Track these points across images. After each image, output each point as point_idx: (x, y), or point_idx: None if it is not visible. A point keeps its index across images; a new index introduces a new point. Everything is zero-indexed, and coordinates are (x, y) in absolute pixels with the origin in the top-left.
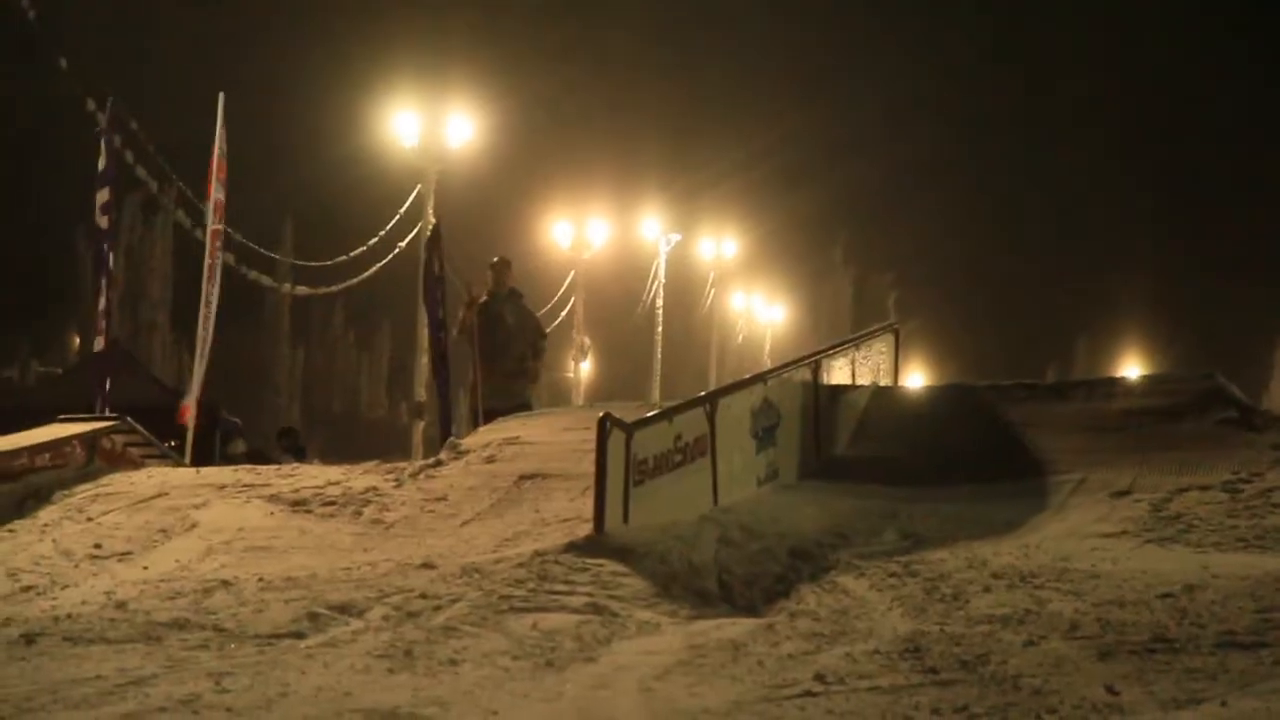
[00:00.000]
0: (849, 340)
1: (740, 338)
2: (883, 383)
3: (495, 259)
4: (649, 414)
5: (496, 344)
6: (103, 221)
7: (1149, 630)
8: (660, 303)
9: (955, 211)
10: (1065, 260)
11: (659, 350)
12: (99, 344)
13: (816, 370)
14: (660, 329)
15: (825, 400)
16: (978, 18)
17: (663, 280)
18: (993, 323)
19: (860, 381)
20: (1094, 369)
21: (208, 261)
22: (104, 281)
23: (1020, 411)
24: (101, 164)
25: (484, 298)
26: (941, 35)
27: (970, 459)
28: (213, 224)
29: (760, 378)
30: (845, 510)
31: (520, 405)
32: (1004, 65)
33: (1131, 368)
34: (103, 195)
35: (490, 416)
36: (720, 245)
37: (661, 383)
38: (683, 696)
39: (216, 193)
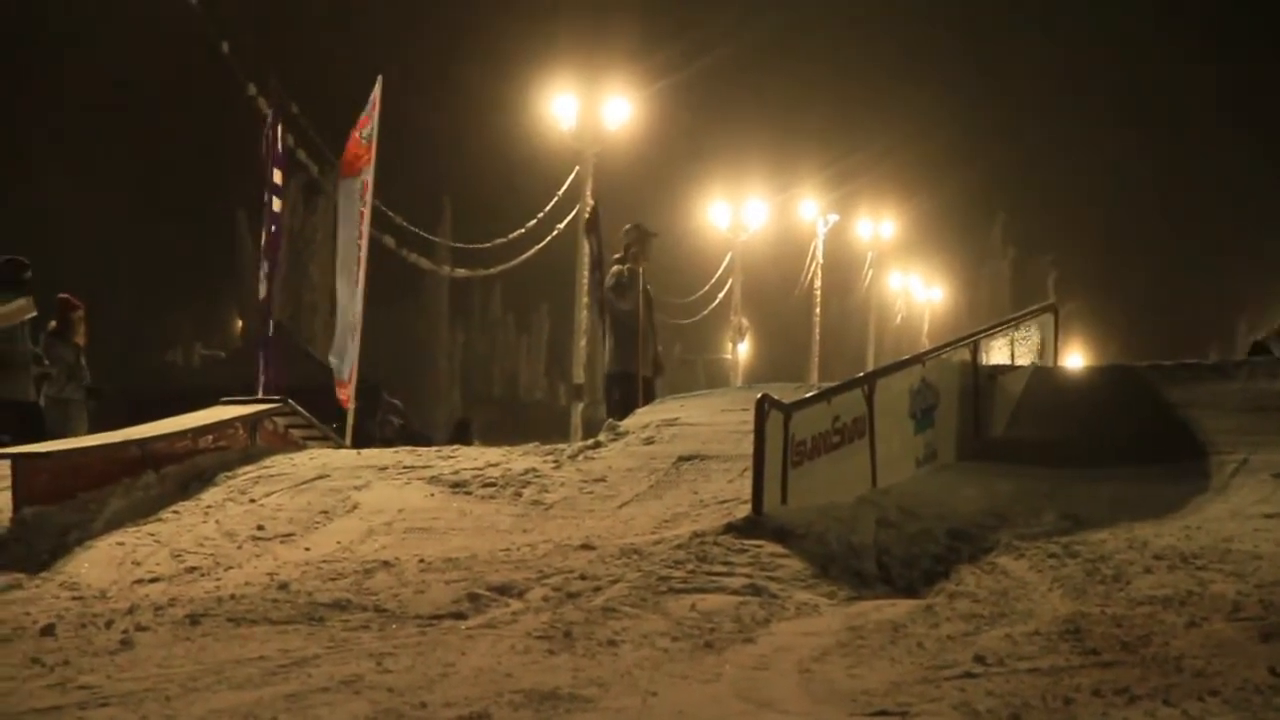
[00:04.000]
0: (1008, 320)
1: (899, 319)
2: (1042, 363)
3: (639, 226)
4: (807, 395)
5: (652, 318)
6: (275, 204)
7: None
8: (818, 284)
9: (1115, 190)
10: (1227, 239)
11: (817, 331)
12: (270, 327)
13: (975, 351)
14: (818, 310)
15: (984, 381)
16: None
17: (821, 261)
18: (1154, 303)
19: (1019, 362)
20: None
21: (358, 242)
22: (271, 264)
23: (1182, 392)
24: (278, 147)
25: (631, 265)
26: (1105, 9)
27: (1131, 440)
28: (360, 205)
29: (919, 358)
30: (1004, 491)
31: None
32: (1167, 39)
33: None
34: (276, 176)
35: (644, 385)
36: (878, 226)
37: (820, 364)
38: (842, 678)
39: (364, 174)
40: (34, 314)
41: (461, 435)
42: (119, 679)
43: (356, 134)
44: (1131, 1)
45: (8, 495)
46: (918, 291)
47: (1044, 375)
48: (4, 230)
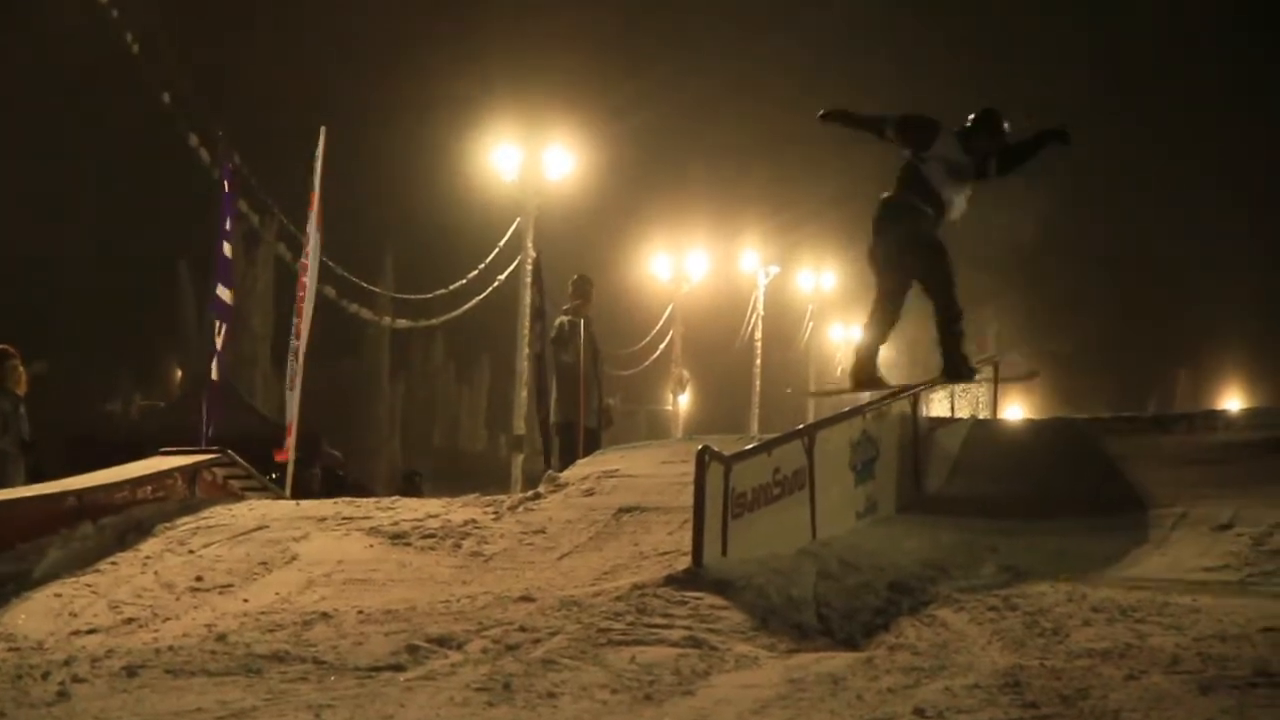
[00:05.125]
0: None
1: (839, 370)
2: (982, 416)
3: (583, 278)
4: (747, 447)
5: (598, 369)
6: (226, 250)
7: (1251, 665)
8: (759, 335)
9: (1054, 245)
10: (1167, 290)
11: (758, 383)
12: (214, 372)
13: (915, 403)
14: (759, 361)
15: (924, 433)
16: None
17: (761, 313)
18: (1092, 356)
19: (960, 415)
20: (1195, 402)
21: (298, 293)
22: (221, 312)
23: (1121, 445)
24: (225, 195)
25: (573, 317)
26: (1040, 68)
27: (1071, 492)
28: (304, 256)
29: (859, 411)
30: (945, 544)
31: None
32: (1100, 91)
33: (1233, 401)
34: (225, 224)
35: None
36: (820, 277)
37: (760, 415)
38: None
39: (310, 226)
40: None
41: (410, 486)
42: None
43: (316, 183)
44: (1069, 62)
45: None
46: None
47: (984, 428)
48: None
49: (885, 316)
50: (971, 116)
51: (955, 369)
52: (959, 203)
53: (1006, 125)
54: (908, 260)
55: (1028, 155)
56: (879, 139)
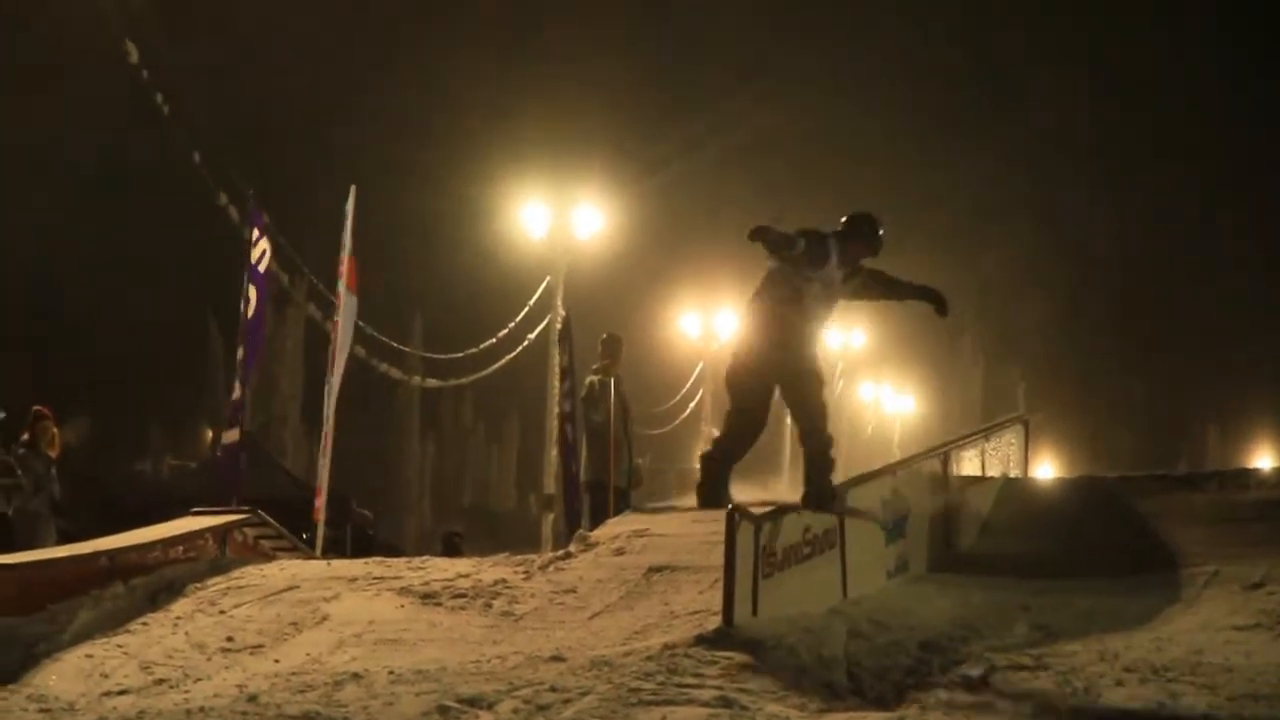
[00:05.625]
0: (978, 432)
1: (869, 429)
2: (1013, 474)
3: (613, 336)
4: (778, 507)
5: (628, 428)
6: (248, 311)
7: None
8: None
9: (1084, 304)
10: (1197, 347)
11: (787, 443)
12: (233, 435)
13: (946, 462)
14: (789, 420)
15: (955, 492)
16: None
17: None
18: (1123, 413)
19: (990, 473)
20: (1226, 459)
21: (331, 352)
22: (244, 373)
23: (1152, 503)
24: (253, 256)
25: (603, 376)
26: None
27: (1102, 551)
28: (335, 316)
29: (890, 469)
30: (976, 602)
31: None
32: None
33: (1264, 458)
34: (252, 283)
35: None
36: (849, 336)
37: (791, 475)
38: None
39: (341, 286)
40: (2, 415)
41: (450, 546)
42: None
43: (346, 244)
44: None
45: None
46: (889, 401)
47: (1015, 487)
48: None
49: (746, 431)
50: (846, 219)
51: (817, 496)
52: (827, 319)
53: (881, 232)
54: (777, 381)
55: (895, 297)
56: (789, 255)
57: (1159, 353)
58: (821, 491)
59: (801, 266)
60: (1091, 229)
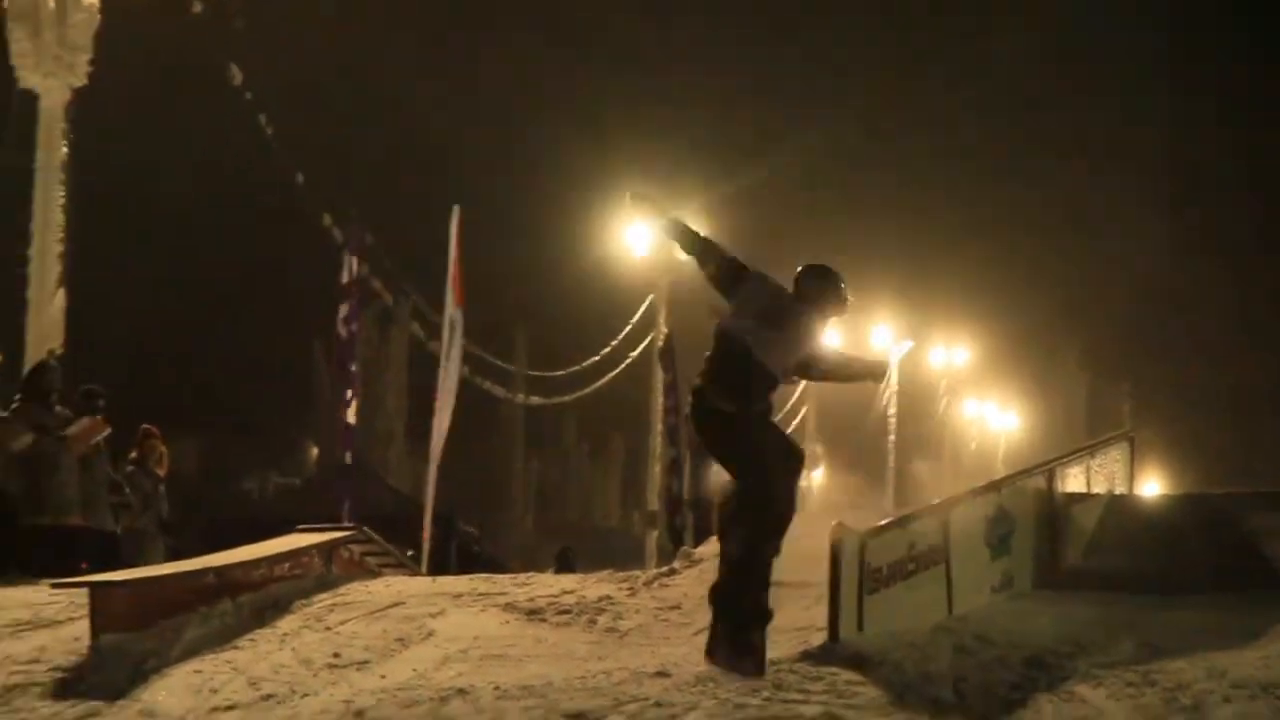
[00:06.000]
0: (1084, 449)
1: (974, 445)
2: (1118, 491)
3: None
4: (882, 522)
5: None
6: (343, 332)
7: None
8: (893, 410)
9: (1192, 322)
10: None
11: (892, 458)
12: (344, 456)
13: (1051, 478)
14: (893, 437)
15: (1060, 508)
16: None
17: (895, 388)
18: (1231, 431)
19: (1095, 490)
20: None
21: (441, 373)
22: (348, 392)
23: (1260, 520)
24: (344, 277)
25: None
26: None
27: (1209, 568)
28: (444, 336)
29: (995, 486)
30: (1081, 619)
31: None
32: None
33: None
34: (343, 309)
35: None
36: (952, 353)
37: (894, 491)
38: None
39: (449, 307)
40: (108, 431)
41: (564, 563)
42: None
43: (453, 269)
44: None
45: (85, 623)
46: (993, 418)
47: (1120, 504)
48: (89, 360)
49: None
50: (803, 271)
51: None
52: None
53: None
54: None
55: (844, 378)
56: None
57: (1270, 370)
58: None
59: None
60: (1197, 243)
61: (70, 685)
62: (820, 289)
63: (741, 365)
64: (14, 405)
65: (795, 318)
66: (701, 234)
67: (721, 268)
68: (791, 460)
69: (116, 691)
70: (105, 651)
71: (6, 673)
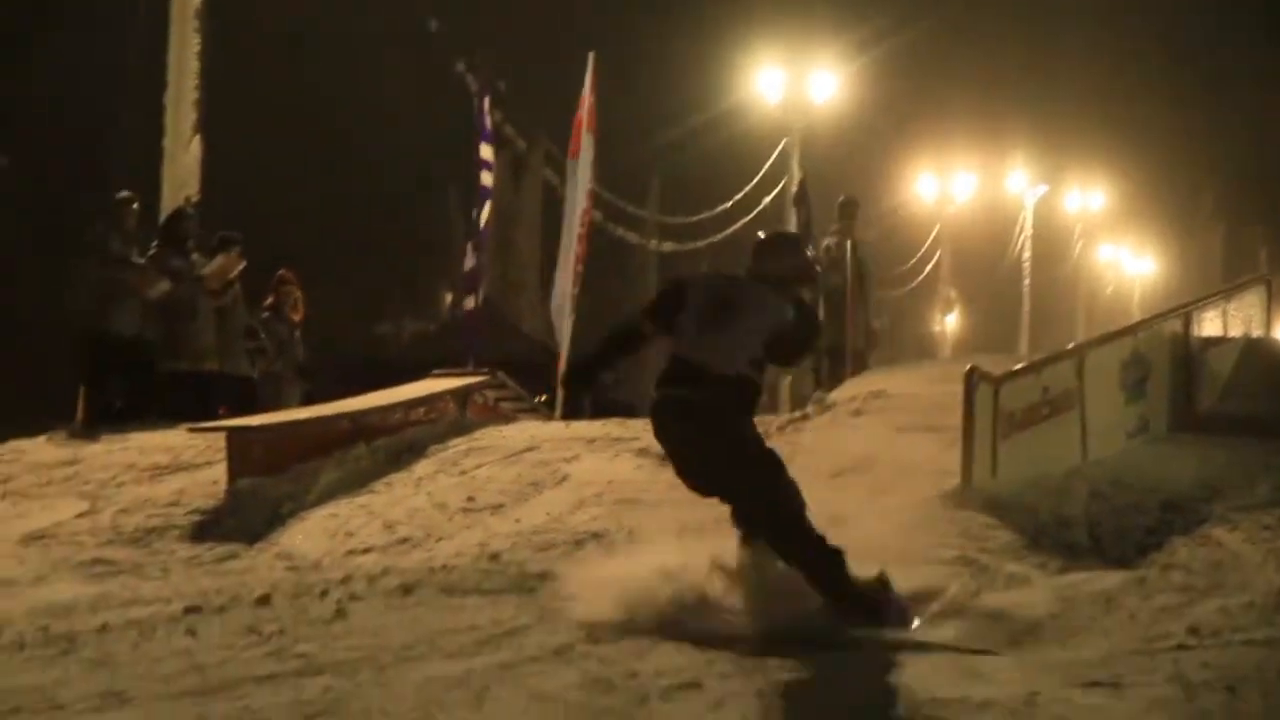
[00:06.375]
0: (1219, 292)
1: (1109, 290)
2: (1255, 334)
3: (851, 199)
4: (1016, 367)
5: (865, 291)
6: (486, 179)
7: None
8: (1027, 255)
9: None
10: None
11: (1026, 303)
12: (470, 301)
13: (1187, 322)
14: (1027, 281)
15: (1196, 353)
16: None
17: (1029, 232)
18: None
19: (1231, 334)
20: None
21: (575, 221)
22: (478, 239)
23: None
24: (477, 124)
25: (840, 239)
26: None
27: None
28: (581, 184)
29: (1130, 330)
30: (1217, 463)
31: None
32: None
33: None
34: (485, 151)
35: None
36: (1087, 197)
37: (1029, 335)
38: (1054, 649)
39: (585, 150)
40: (243, 265)
41: None
42: (334, 648)
43: (580, 114)
44: None
45: (223, 468)
46: (1127, 263)
47: (1257, 347)
48: (224, 208)
49: None
50: (756, 247)
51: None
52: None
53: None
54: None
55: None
56: None
57: None
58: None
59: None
60: None
61: (208, 528)
62: (776, 263)
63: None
64: (151, 252)
65: (746, 303)
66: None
67: (652, 314)
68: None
69: (253, 534)
70: (242, 495)
71: (146, 515)
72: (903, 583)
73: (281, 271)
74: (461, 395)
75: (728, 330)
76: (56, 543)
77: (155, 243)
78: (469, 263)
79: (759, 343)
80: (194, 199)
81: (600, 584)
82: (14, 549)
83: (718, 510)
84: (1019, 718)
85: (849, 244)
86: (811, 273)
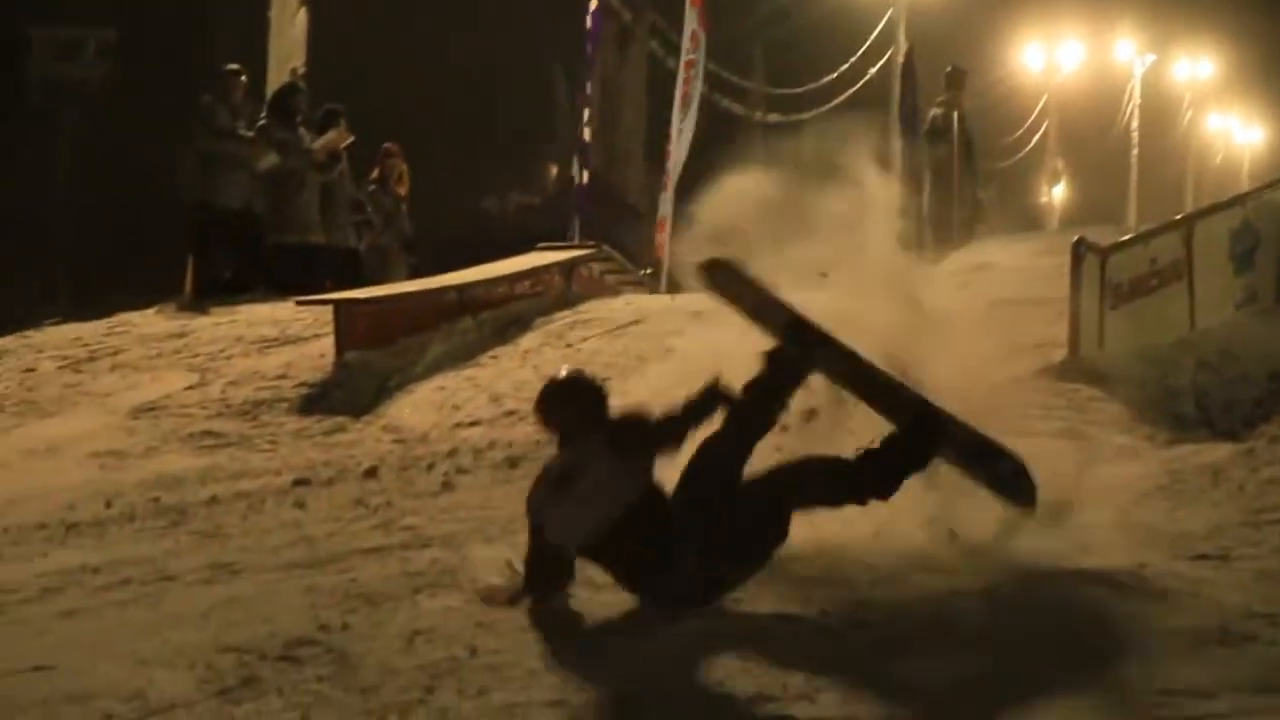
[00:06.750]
0: None
1: (1218, 159)
2: None
3: (957, 69)
4: (1124, 238)
5: (972, 162)
6: (592, 51)
7: None
8: (1135, 125)
9: None
10: None
11: (1134, 173)
12: (576, 174)
13: None
14: (1135, 152)
15: None
16: None
17: (1137, 102)
18: None
19: None
20: None
21: (680, 91)
22: (585, 112)
23: None
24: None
25: (946, 110)
26: None
27: None
28: (687, 54)
29: (1239, 200)
30: None
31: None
32: None
33: None
34: (592, 23)
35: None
36: (1196, 66)
37: (1137, 206)
38: (1162, 521)
39: (691, 22)
40: (351, 139)
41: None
42: (440, 520)
43: None
44: None
45: (330, 341)
46: (1236, 133)
47: None
48: (330, 81)
49: None
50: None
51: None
52: None
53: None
54: None
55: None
56: None
57: None
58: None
59: None
60: None
61: (316, 401)
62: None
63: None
64: (260, 125)
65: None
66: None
67: None
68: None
69: (361, 407)
70: (350, 368)
71: (254, 388)
72: None
73: (387, 145)
74: (567, 268)
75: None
76: (166, 415)
77: (264, 116)
78: (575, 136)
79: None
80: (300, 71)
81: None
82: (124, 421)
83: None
84: (1127, 590)
85: (955, 114)
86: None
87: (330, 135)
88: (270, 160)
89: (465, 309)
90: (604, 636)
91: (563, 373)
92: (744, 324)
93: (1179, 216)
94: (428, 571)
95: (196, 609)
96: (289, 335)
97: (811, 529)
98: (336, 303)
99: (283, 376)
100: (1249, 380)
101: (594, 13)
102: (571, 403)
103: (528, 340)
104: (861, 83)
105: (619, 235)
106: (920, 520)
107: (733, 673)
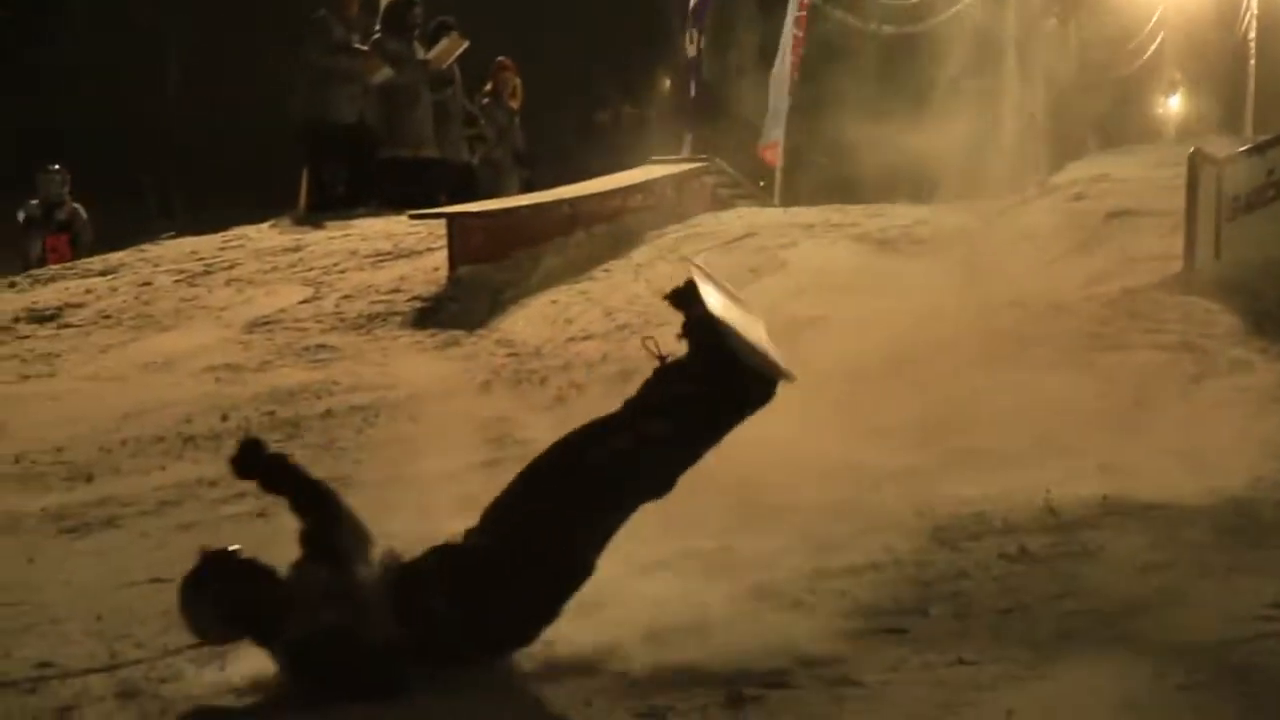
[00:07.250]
0: None
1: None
2: None
3: None
4: (1241, 149)
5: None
6: None
7: None
8: (1253, 34)
9: None
10: None
11: (1252, 84)
12: (690, 87)
13: None
14: (1253, 62)
15: None
16: None
17: (1255, 11)
18: None
19: None
20: None
21: (794, 3)
22: (699, 25)
23: None
24: None
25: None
26: None
27: None
28: None
29: None
30: None
31: None
32: None
33: None
34: None
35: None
36: None
37: (1255, 117)
38: (1276, 433)
39: None
40: (466, 45)
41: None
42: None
43: None
44: None
45: (444, 254)
46: None
47: None
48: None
49: None
50: None
51: None
52: None
53: None
54: None
55: None
56: None
57: None
58: None
59: None
60: None
61: (429, 314)
62: None
63: None
64: (374, 38)
65: None
66: None
67: None
68: None
69: (475, 321)
70: (463, 281)
71: (368, 301)
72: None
73: (500, 58)
74: (679, 181)
75: None
76: (280, 329)
77: (378, 30)
78: (689, 49)
79: None
80: None
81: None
82: (239, 335)
83: (936, 299)
84: (1244, 504)
85: (1070, 25)
86: None
87: (443, 43)
88: (384, 74)
89: (578, 223)
90: None
91: None
92: (855, 237)
93: None
94: None
95: None
96: (402, 249)
97: None
98: (450, 216)
99: (396, 290)
100: None
101: None
102: None
103: (640, 254)
104: None
105: (731, 149)
106: None
107: None
